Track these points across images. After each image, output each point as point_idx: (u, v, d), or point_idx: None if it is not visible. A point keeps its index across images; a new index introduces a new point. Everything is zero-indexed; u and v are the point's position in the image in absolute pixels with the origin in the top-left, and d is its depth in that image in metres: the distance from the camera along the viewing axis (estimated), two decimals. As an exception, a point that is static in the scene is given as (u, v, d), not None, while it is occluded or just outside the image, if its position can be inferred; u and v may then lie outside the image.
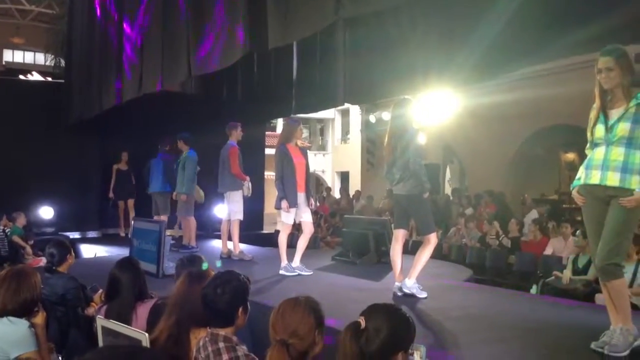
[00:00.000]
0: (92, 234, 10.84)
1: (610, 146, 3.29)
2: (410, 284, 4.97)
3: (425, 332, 3.92)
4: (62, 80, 11.41)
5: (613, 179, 3.26)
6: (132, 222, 7.50)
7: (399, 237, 5.18)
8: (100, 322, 2.77)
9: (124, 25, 8.24)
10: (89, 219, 11.04)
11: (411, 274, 5.00)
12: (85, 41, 9.93)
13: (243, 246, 7.59)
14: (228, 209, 7.55)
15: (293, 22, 5.16)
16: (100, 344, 2.70)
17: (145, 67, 7.64)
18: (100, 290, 4.16)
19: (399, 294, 5.00)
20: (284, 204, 6.11)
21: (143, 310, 3.24)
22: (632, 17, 4.92)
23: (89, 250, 8.95)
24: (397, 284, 5.08)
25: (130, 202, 10.51)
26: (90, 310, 4.05)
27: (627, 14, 4.86)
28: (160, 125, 9.87)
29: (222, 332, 2.57)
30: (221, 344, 2.51)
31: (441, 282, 5.99)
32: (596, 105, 3.39)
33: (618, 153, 3.25)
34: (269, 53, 7.28)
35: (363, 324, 1.98)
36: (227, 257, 7.54)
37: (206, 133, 8.88)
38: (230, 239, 7.60)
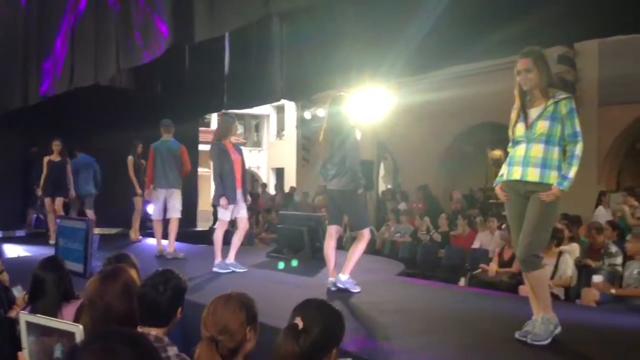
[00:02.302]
0: (17, 233, 10.30)
1: (530, 143, 3.44)
2: (345, 279, 5.02)
3: (358, 326, 3.98)
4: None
5: (533, 175, 3.42)
6: (57, 221, 7.20)
7: (332, 233, 5.23)
8: (25, 317, 2.61)
9: (59, 17, 7.91)
10: (12, 217, 10.50)
11: (345, 269, 5.06)
12: (9, 31, 9.46)
13: (176, 244, 7.46)
14: (168, 207, 7.41)
15: (221, 14, 5.12)
16: (24, 343, 2.56)
17: (77, 60, 7.39)
18: (24, 292, 3.98)
19: (333, 289, 5.05)
20: (223, 200, 6.07)
21: (69, 311, 3.13)
22: (552, 18, 5.15)
23: (12, 250, 8.54)
24: (331, 279, 5.11)
25: (59, 201, 8.83)
26: (13, 313, 3.87)
27: (547, 15, 5.08)
28: (91, 119, 9.55)
29: (153, 332, 2.52)
30: (152, 345, 2.47)
31: (374, 276, 6.10)
32: (516, 105, 3.55)
33: (538, 150, 3.41)
34: (201, 47, 7.17)
35: (301, 324, 1.96)
36: (160, 255, 7.39)
37: (140, 128, 8.66)
38: (165, 237, 7.49)
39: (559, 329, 3.46)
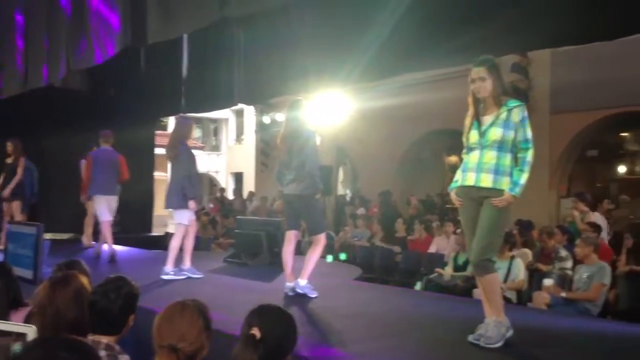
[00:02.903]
0: None
1: (483, 150, 3.52)
2: (303, 284, 5.02)
3: (313, 331, 3.98)
4: None
5: (486, 181, 3.50)
6: (7, 226, 6.98)
7: (291, 237, 5.21)
8: None
9: (15, 15, 7.67)
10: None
11: (303, 274, 5.05)
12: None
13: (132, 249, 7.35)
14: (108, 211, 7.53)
15: (175, 17, 5.07)
16: None
17: (30, 60, 7.19)
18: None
19: (291, 294, 5.04)
20: (193, 204, 5.99)
21: (17, 319, 3.03)
22: (507, 27, 5.27)
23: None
24: (288, 284, 5.10)
25: (16, 204, 8.37)
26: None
27: (502, 25, 5.21)
28: (44, 122, 9.30)
29: (104, 340, 2.47)
30: (102, 353, 2.42)
31: (331, 281, 6.11)
32: (470, 112, 3.63)
33: (491, 156, 3.49)
34: (158, 49, 7.08)
35: (258, 334, 1.95)
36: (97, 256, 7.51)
37: (94, 130, 8.45)
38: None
39: (510, 332, 3.53)
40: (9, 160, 8.50)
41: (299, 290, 5.01)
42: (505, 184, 3.46)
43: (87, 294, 2.64)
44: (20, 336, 2.24)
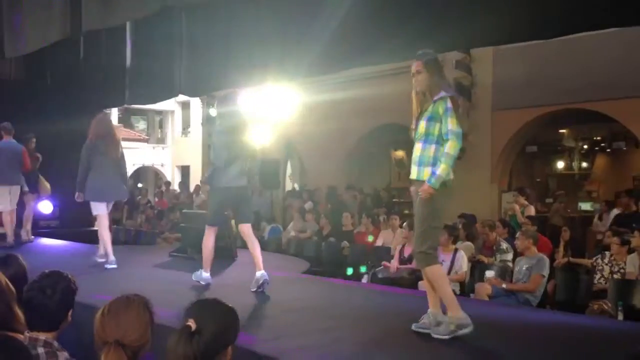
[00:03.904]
0: None
1: (416, 143, 3.63)
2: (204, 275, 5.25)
3: (259, 324, 3.96)
4: None
5: (414, 172, 3.62)
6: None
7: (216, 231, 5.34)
8: None
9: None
10: None
11: (260, 265, 5.05)
12: None
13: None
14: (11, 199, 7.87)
15: (113, 5, 4.91)
16: None
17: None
18: None
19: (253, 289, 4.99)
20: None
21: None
22: (450, 24, 5.37)
23: None
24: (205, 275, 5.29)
25: None
26: None
27: (445, 21, 5.30)
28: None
29: (42, 336, 2.40)
30: (41, 350, 2.34)
31: (279, 274, 6.08)
32: (413, 107, 3.69)
33: (417, 149, 3.62)
34: (99, 38, 6.86)
35: (194, 326, 1.92)
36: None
37: (31, 121, 8.16)
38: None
39: (466, 330, 3.49)
40: None
41: (266, 279, 4.98)
42: (426, 174, 3.53)
43: (8, 289, 2.54)
44: None
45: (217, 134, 5.37)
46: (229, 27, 7.13)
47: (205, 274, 5.29)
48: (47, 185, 8.57)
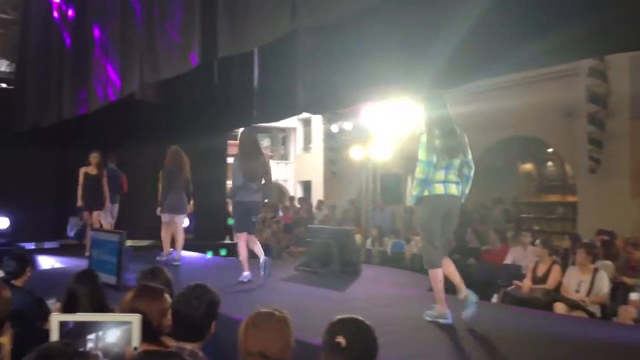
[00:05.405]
0: (50, 245, 10.42)
1: None
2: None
3: (387, 342, 3.93)
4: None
5: None
6: (91, 233, 7.30)
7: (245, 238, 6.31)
8: (59, 318, 2.43)
9: (94, 31, 8.07)
10: (46, 229, 10.65)
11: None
12: (41, 47, 9.68)
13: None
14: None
15: (246, 30, 5.13)
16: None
17: (108, 74, 7.52)
18: (59, 304, 4.03)
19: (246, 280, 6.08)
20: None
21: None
22: (584, 32, 5.07)
23: (46, 262, 8.67)
24: (246, 273, 6.17)
25: (96, 214, 8.75)
26: (48, 325, 3.91)
27: (579, 28, 5.02)
28: (118, 133, 9.69)
29: (188, 346, 2.53)
30: (187, 359, 2.47)
31: (404, 291, 6.02)
32: None
33: None
34: (231, 60, 7.24)
35: (344, 343, 1.97)
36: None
37: (165, 141, 8.75)
38: None
39: (443, 321, 4.29)
40: (92, 172, 8.72)
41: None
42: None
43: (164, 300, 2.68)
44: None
45: (234, 160, 6.39)
46: (351, 44, 7.22)
47: (245, 273, 6.20)
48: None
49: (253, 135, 6.64)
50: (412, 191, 4.31)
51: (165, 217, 7.80)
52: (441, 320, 4.28)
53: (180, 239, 7.94)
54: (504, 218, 11.23)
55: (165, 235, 7.93)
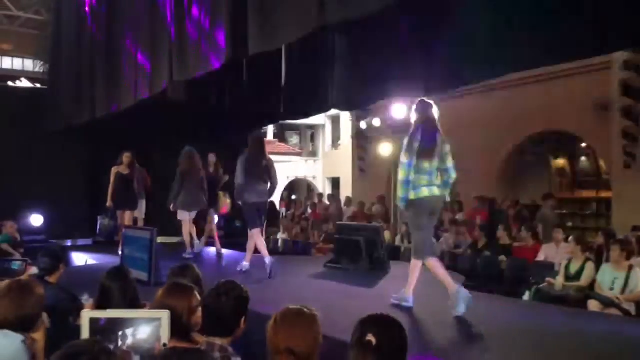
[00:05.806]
0: (82, 242, 10.62)
1: None
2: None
3: (415, 336, 3.91)
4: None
5: None
6: (123, 231, 7.42)
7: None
8: (90, 315, 2.47)
9: (124, 31, 8.18)
10: (80, 226, 10.87)
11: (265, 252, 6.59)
12: (73, 46, 9.85)
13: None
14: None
15: (276, 27, 5.14)
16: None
17: (139, 73, 7.62)
18: (91, 300, 4.10)
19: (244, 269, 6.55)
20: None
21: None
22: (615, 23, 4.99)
23: (80, 259, 8.84)
24: (245, 263, 6.69)
25: (129, 214, 8.91)
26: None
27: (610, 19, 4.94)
28: (148, 132, 9.81)
29: (218, 341, 2.56)
30: (217, 355, 2.49)
31: (434, 289, 5.96)
32: None
33: None
34: (258, 58, 7.26)
35: (374, 341, 1.97)
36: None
37: (193, 140, 8.82)
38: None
39: (404, 304, 4.75)
40: (124, 171, 8.87)
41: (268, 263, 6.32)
42: None
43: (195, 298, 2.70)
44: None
45: (240, 158, 6.64)
46: (379, 41, 7.20)
47: (245, 263, 6.71)
48: (227, 201, 8.96)
49: (260, 137, 7.12)
50: (398, 194, 4.67)
51: (180, 215, 8.17)
52: (405, 305, 4.74)
53: (208, 231, 8.75)
54: (554, 214, 10.89)
55: (185, 233, 8.22)
